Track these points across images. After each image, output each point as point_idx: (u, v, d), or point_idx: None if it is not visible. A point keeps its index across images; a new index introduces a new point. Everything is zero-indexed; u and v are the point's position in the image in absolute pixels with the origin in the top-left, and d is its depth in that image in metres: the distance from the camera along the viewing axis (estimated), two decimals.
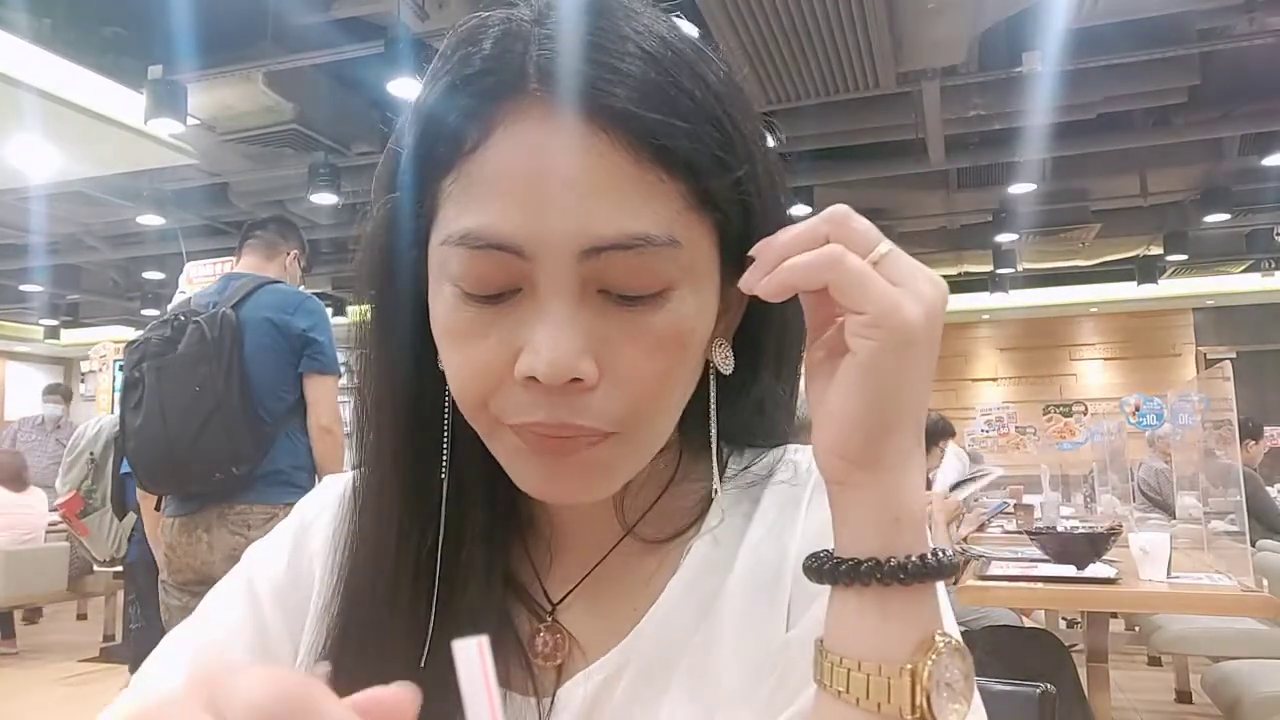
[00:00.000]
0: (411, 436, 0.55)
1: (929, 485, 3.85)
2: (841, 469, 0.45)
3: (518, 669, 0.57)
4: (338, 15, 4.70)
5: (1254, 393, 9.85)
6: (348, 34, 4.78)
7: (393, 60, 4.40)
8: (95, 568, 5.21)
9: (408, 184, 0.51)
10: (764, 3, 4.14)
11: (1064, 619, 4.86)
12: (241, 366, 2.43)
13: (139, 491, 2.81)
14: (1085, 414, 11.52)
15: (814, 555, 0.46)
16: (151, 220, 7.51)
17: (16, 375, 13.40)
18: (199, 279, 4.45)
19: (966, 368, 11.96)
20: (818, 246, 0.44)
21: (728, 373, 0.55)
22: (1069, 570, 2.72)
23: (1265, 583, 2.50)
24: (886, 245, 0.44)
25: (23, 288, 10.41)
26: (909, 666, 0.42)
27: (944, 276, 0.44)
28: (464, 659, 0.29)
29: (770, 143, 0.54)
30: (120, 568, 4.34)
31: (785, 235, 0.45)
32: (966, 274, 9.66)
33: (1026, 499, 5.21)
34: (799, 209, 5.30)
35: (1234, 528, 2.88)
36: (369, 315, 0.56)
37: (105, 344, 8.23)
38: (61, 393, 7.17)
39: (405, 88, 4.50)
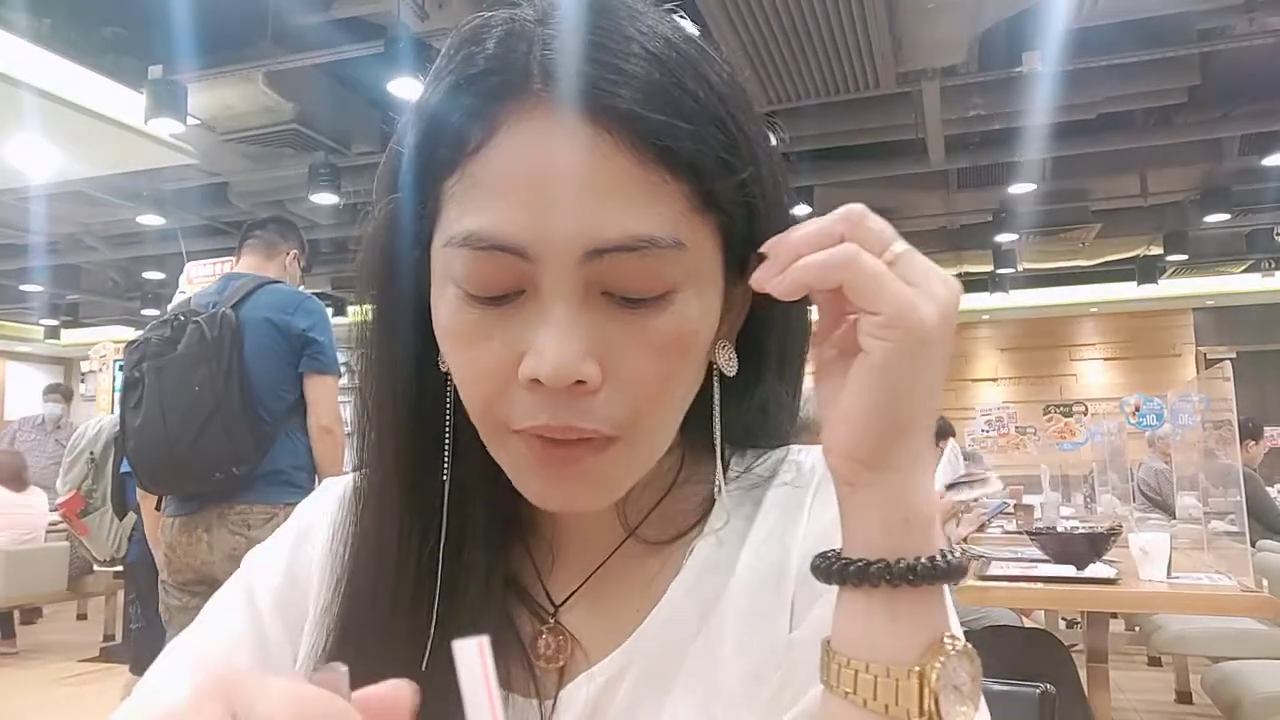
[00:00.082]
0: (413, 437, 0.55)
1: None
2: (852, 470, 0.44)
3: (519, 670, 0.56)
4: (338, 15, 4.69)
5: (1254, 393, 9.86)
6: (348, 34, 4.78)
7: (393, 60, 4.40)
8: (95, 567, 5.21)
9: (410, 184, 0.51)
10: (764, 3, 4.13)
11: (1064, 619, 4.86)
12: (241, 366, 2.44)
13: (139, 491, 2.81)
14: (1085, 414, 11.52)
15: (822, 555, 0.46)
16: (151, 220, 7.51)
17: (16, 375, 13.40)
18: (199, 279, 4.45)
19: (967, 368, 11.95)
20: (832, 245, 0.43)
21: (731, 374, 0.55)
22: (1069, 570, 2.72)
23: (1265, 583, 2.50)
24: (901, 245, 0.44)
25: (23, 288, 10.41)
26: (917, 668, 0.42)
27: None
28: (464, 659, 0.29)
29: (773, 143, 0.54)
30: (120, 567, 4.34)
31: (799, 232, 0.45)
32: (966, 274, 9.63)
33: (1026, 499, 5.20)
34: (800, 209, 5.30)
35: (1234, 528, 2.88)
36: (370, 316, 0.55)
37: (105, 344, 8.24)
38: (61, 392, 7.16)
39: (405, 88, 4.50)
